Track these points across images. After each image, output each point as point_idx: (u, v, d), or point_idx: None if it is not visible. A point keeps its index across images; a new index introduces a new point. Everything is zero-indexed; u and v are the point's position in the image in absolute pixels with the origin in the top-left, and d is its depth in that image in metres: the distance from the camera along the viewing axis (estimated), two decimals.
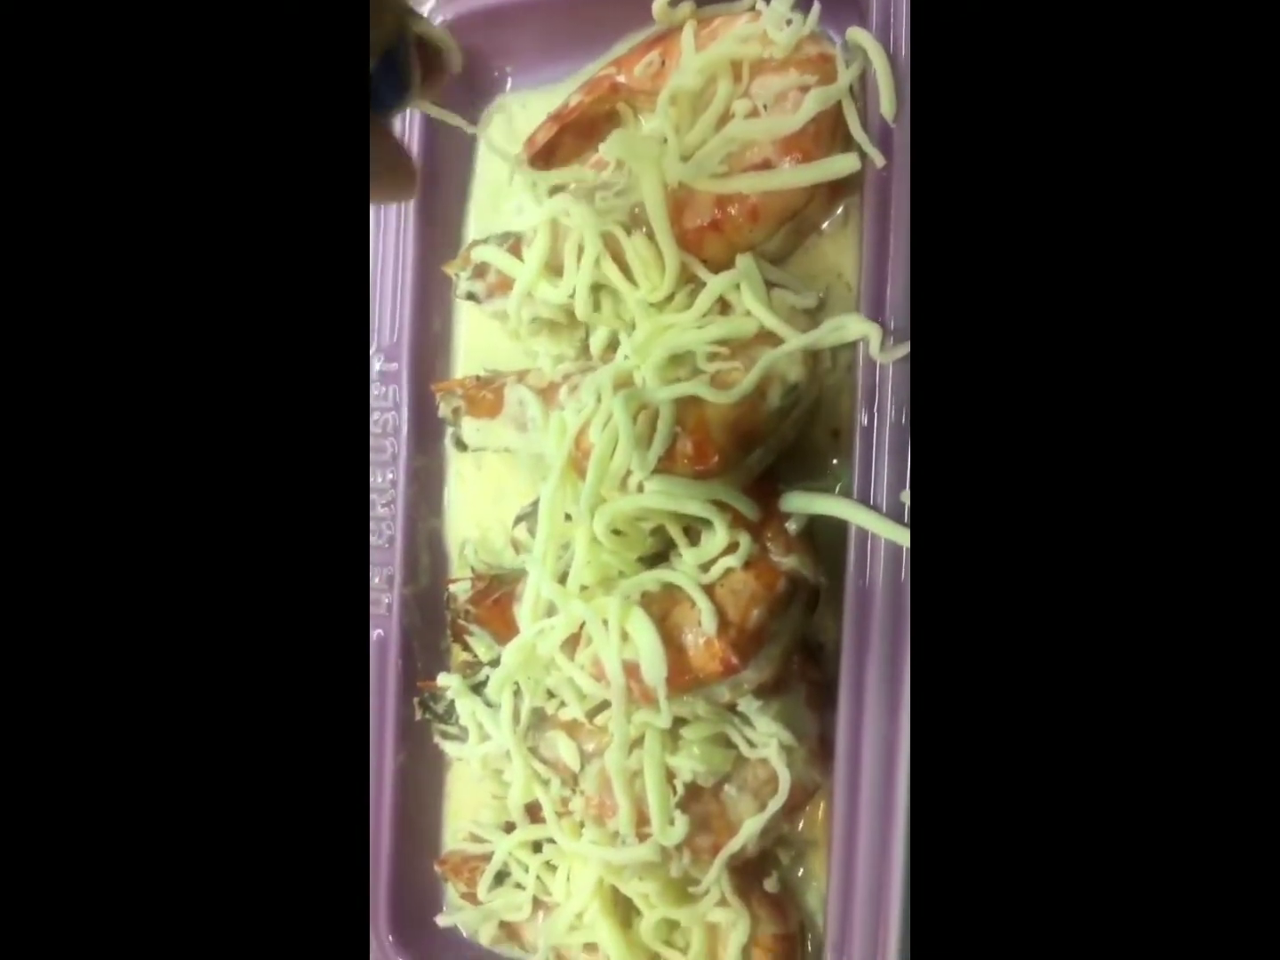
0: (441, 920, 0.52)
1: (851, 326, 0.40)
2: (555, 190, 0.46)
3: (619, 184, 0.44)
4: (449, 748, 0.52)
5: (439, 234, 0.54)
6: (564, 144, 0.49)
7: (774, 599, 0.40)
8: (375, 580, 0.54)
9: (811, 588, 0.42)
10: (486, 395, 0.49)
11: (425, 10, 0.51)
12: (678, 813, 0.42)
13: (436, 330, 0.54)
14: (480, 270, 0.49)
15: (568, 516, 0.45)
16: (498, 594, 0.48)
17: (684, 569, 0.42)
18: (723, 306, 0.43)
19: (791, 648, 0.43)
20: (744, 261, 0.42)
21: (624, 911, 0.47)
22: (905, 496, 0.39)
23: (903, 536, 0.38)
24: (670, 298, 0.44)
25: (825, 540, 0.43)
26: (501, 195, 0.52)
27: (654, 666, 0.39)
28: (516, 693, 0.47)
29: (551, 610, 0.44)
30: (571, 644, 0.43)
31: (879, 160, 0.39)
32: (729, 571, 0.41)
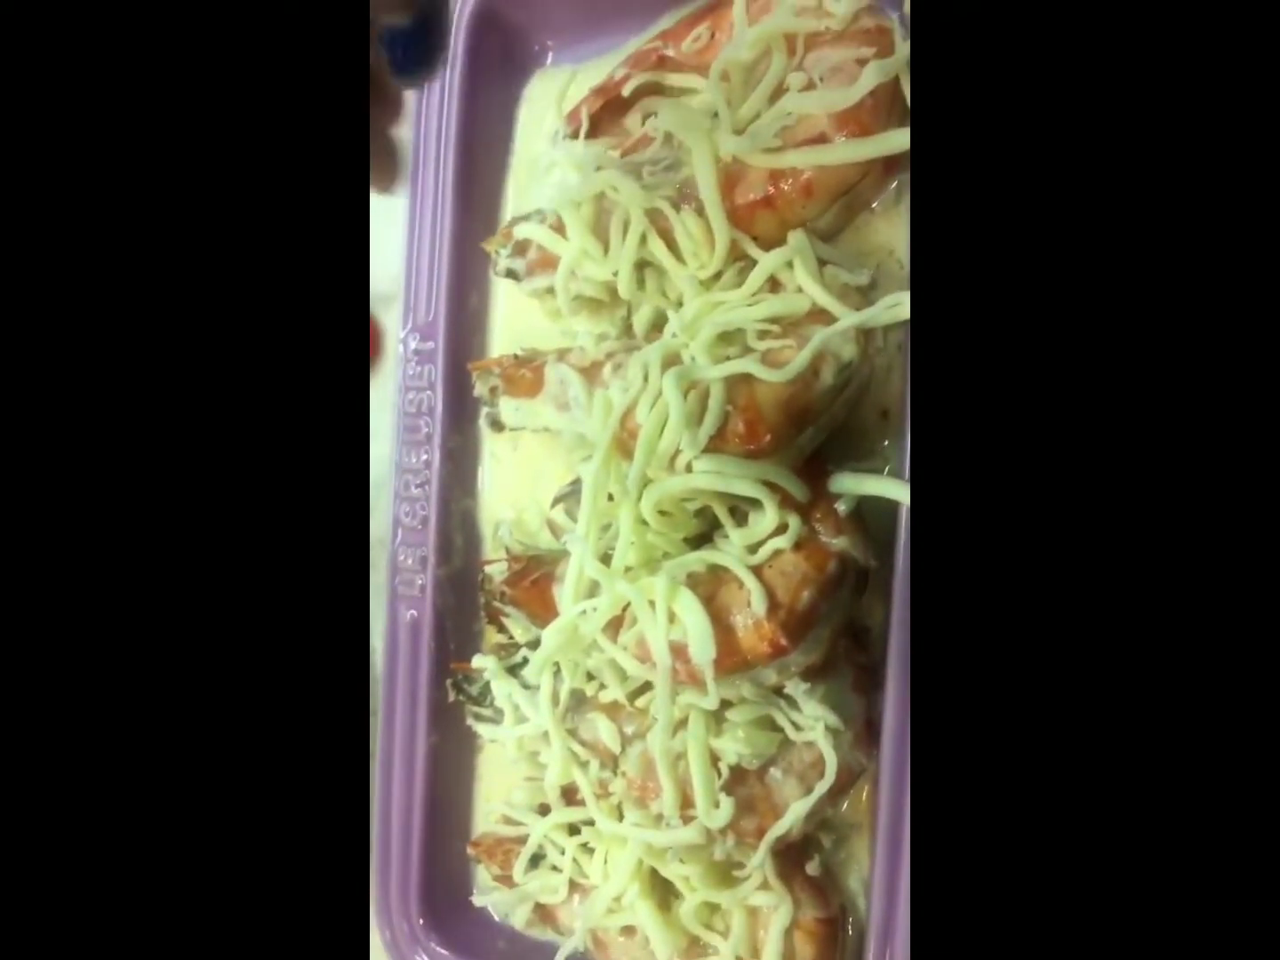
0: (477, 900, 0.52)
1: (906, 304, 0.39)
2: (600, 165, 0.45)
3: (667, 159, 0.43)
4: (483, 729, 0.51)
5: (477, 211, 0.53)
6: (604, 119, 0.49)
7: (824, 580, 0.40)
8: (409, 561, 0.54)
9: (861, 569, 0.42)
10: (525, 374, 0.48)
11: None
12: (722, 795, 0.42)
13: (473, 308, 0.54)
14: (521, 247, 0.48)
15: (610, 497, 0.44)
16: (536, 575, 0.48)
17: (731, 550, 0.42)
18: (772, 284, 0.42)
19: (839, 630, 0.42)
20: (796, 238, 0.41)
21: (662, 894, 0.46)
22: None
23: None
24: (718, 275, 0.43)
25: (874, 522, 0.42)
26: (540, 172, 0.51)
27: (703, 647, 0.39)
28: (556, 674, 0.46)
29: (593, 591, 0.43)
30: (614, 626, 0.43)
31: None
32: (778, 553, 0.41)
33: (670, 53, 0.45)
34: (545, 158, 0.49)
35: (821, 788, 0.41)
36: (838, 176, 0.40)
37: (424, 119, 0.52)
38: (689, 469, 0.41)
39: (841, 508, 0.41)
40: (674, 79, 0.46)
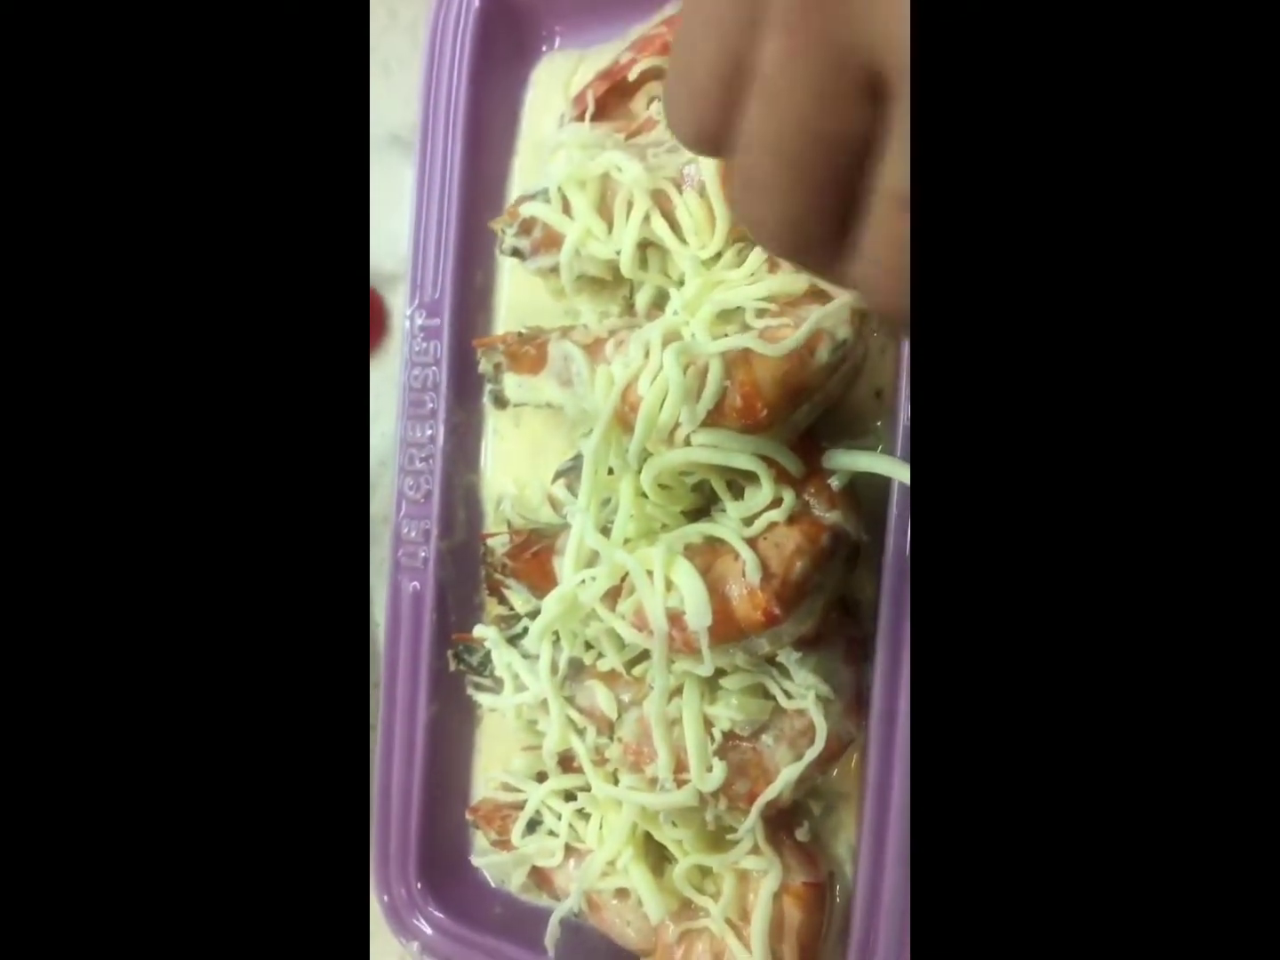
0: (475, 860, 0.53)
1: None
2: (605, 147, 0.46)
3: (670, 141, 0.45)
4: (483, 698, 0.53)
5: (483, 193, 0.54)
6: (610, 103, 0.50)
7: (817, 552, 0.41)
8: (412, 534, 0.55)
9: (853, 543, 0.43)
10: (529, 351, 0.49)
11: None
12: (715, 760, 0.43)
13: (479, 287, 0.55)
14: (526, 226, 0.49)
15: (610, 471, 0.45)
16: (537, 547, 0.49)
17: (727, 523, 0.43)
18: (770, 264, 0.44)
19: (831, 602, 0.43)
20: None
21: (655, 859, 0.48)
22: None
23: None
24: (718, 255, 0.44)
25: (866, 498, 0.44)
26: (547, 153, 0.52)
27: (699, 613, 0.40)
28: (555, 643, 0.48)
29: (593, 563, 0.45)
30: (612, 596, 0.44)
31: None
32: (773, 525, 0.42)
33: None
34: (551, 139, 0.50)
35: (811, 754, 0.42)
36: None
37: (432, 101, 0.53)
38: (688, 443, 0.42)
39: (835, 483, 0.43)
40: None
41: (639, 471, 0.43)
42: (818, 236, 0.25)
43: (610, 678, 0.47)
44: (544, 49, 0.54)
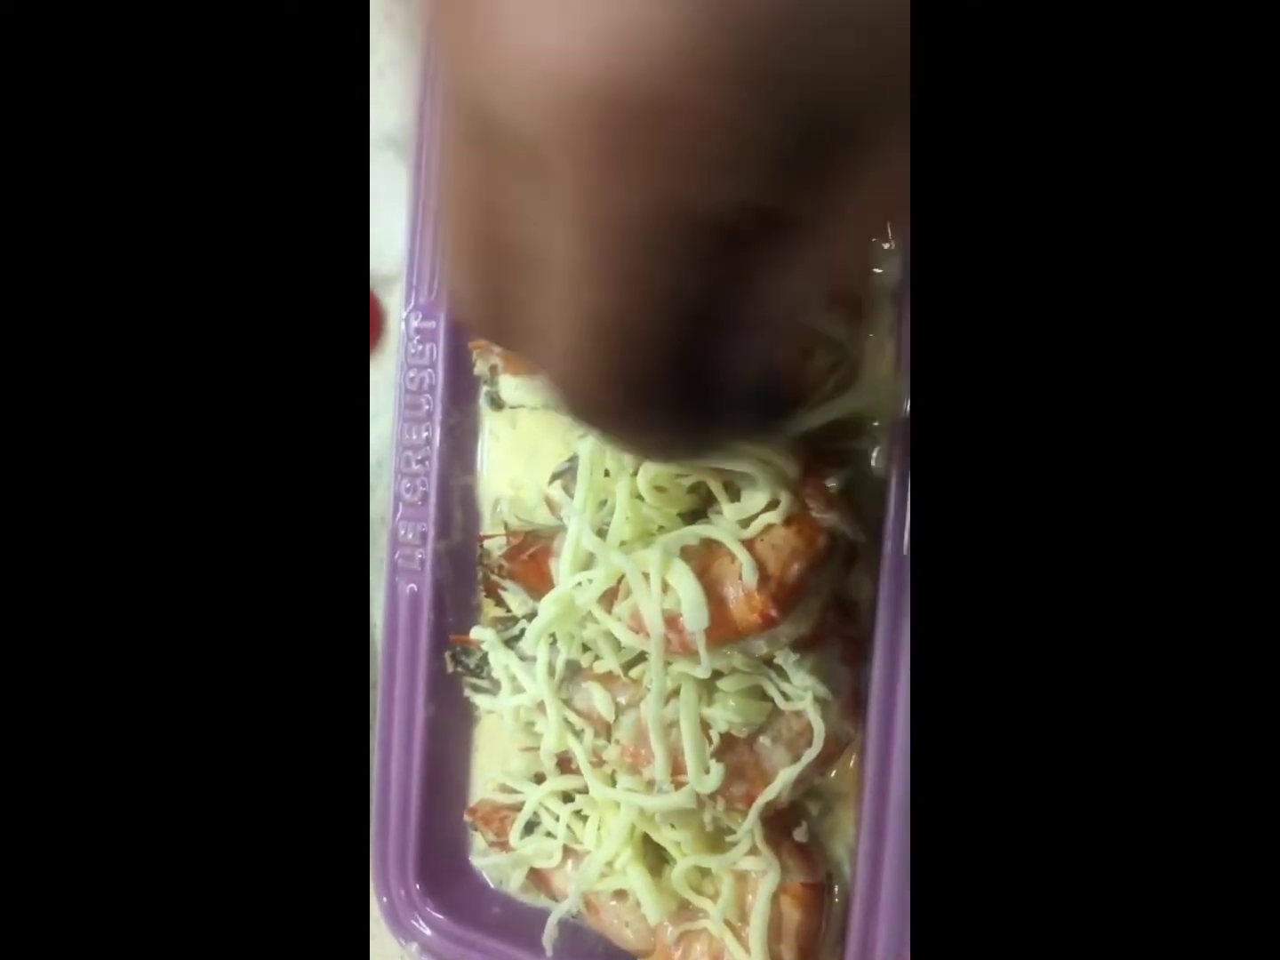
0: (474, 861, 0.53)
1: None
2: None
3: None
4: (480, 700, 0.53)
5: None
6: None
7: (815, 554, 0.41)
8: (409, 536, 0.55)
9: (850, 545, 0.43)
10: None
11: None
12: (713, 761, 0.43)
13: None
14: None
15: (606, 472, 0.45)
16: (534, 549, 0.49)
17: (723, 525, 0.43)
18: None
19: (828, 604, 0.43)
20: None
21: (654, 860, 0.48)
22: None
23: None
24: None
25: (862, 500, 0.44)
26: None
27: (696, 615, 0.40)
28: (552, 645, 0.48)
29: (589, 565, 0.45)
30: (609, 598, 0.44)
31: None
32: (769, 527, 0.42)
33: None
34: None
35: (809, 755, 0.42)
36: None
37: (427, 105, 0.53)
38: None
39: (832, 485, 0.43)
40: None
41: (635, 473, 0.43)
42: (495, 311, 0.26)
43: (607, 679, 0.47)
44: None
